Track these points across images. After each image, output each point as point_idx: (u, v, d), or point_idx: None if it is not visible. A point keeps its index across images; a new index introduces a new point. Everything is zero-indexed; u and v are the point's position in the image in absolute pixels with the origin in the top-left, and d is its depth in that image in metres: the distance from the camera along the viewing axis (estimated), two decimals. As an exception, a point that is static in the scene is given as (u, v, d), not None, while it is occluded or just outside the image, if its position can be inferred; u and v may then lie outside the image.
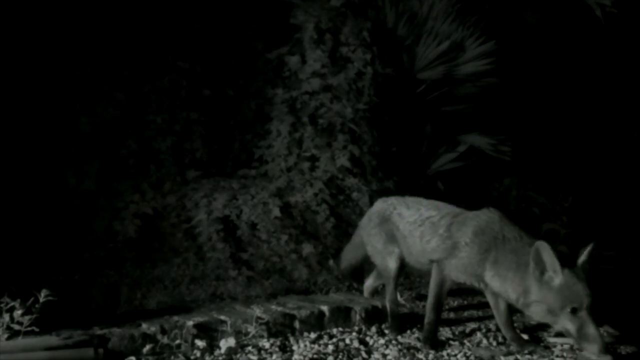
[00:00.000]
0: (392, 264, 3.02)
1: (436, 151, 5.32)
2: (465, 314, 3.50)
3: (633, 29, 6.71)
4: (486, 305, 3.35)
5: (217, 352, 2.59)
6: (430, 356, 2.64)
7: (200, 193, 4.04)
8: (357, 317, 3.10)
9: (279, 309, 3.02)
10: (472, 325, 3.18)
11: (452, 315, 3.43)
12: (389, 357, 2.61)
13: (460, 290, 3.46)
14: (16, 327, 2.40)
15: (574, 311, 2.39)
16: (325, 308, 3.05)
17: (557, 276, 2.42)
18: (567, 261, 2.48)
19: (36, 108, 4.04)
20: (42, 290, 2.45)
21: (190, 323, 2.68)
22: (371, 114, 4.65)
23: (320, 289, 3.67)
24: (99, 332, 2.54)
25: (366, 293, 3.46)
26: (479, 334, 3.02)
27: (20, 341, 2.36)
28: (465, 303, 3.71)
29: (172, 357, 2.54)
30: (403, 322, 3.07)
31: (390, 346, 2.75)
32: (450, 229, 2.73)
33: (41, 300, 2.43)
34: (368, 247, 3.17)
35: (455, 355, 2.65)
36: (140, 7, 4.46)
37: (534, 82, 6.64)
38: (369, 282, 3.45)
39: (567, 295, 2.40)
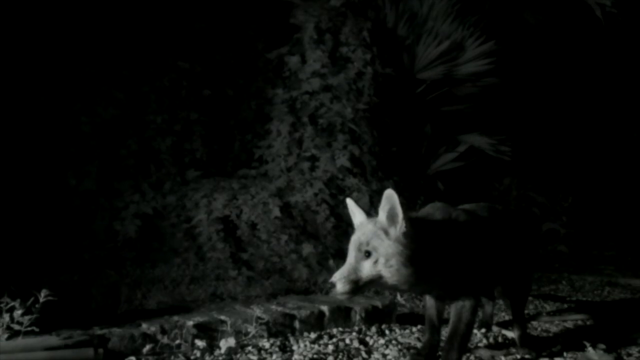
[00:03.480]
0: None
1: (436, 151, 5.32)
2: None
3: (633, 29, 6.71)
4: (483, 305, 3.36)
5: (217, 352, 2.59)
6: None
7: (200, 193, 4.04)
8: (357, 317, 3.10)
9: (279, 309, 3.02)
10: (472, 325, 3.17)
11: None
12: (389, 357, 2.61)
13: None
14: (16, 327, 2.40)
15: None
16: (325, 308, 3.05)
17: None
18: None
19: (36, 108, 4.04)
20: (42, 290, 2.45)
21: (190, 323, 2.68)
22: (371, 114, 4.65)
23: (320, 289, 3.67)
24: (99, 332, 2.54)
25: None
26: (478, 334, 3.02)
27: (20, 341, 2.36)
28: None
29: (172, 357, 2.54)
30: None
31: (390, 346, 2.75)
32: None
33: (41, 300, 2.43)
34: None
35: (455, 355, 2.65)
36: (141, 7, 4.46)
37: (534, 82, 6.65)
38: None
39: None
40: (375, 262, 2.05)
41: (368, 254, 2.06)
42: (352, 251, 2.09)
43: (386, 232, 2.07)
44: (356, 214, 2.20)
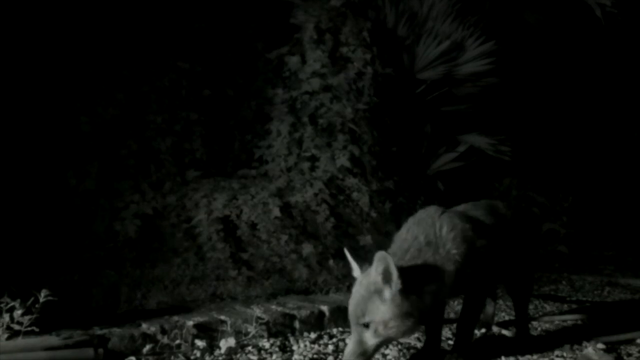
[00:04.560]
0: None
1: (436, 151, 5.32)
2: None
3: (633, 29, 6.72)
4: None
5: (217, 352, 2.59)
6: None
7: (200, 193, 4.04)
8: (357, 317, 3.09)
9: (279, 309, 3.02)
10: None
11: (452, 315, 3.43)
12: (389, 357, 2.61)
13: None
14: (16, 327, 2.40)
15: None
16: (325, 308, 3.05)
17: None
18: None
19: (36, 108, 4.03)
20: (42, 290, 2.45)
21: (190, 323, 2.68)
22: (371, 114, 4.65)
23: (320, 289, 3.67)
24: (99, 332, 2.54)
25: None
26: (479, 334, 3.02)
27: (20, 341, 2.36)
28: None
29: (172, 357, 2.54)
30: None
31: (390, 346, 2.75)
32: None
33: (41, 300, 2.43)
34: None
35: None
36: (141, 7, 4.46)
37: (534, 82, 6.65)
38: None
39: None
40: (376, 330, 2.11)
41: (367, 325, 2.12)
42: (352, 325, 2.16)
43: (380, 294, 2.12)
44: (353, 267, 2.28)
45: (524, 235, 2.84)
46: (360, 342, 2.11)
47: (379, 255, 2.11)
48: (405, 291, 2.11)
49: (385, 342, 2.19)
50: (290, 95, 4.59)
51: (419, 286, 2.18)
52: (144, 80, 4.38)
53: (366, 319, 2.11)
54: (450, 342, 2.87)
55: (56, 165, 3.96)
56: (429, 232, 2.34)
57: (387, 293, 2.11)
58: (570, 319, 3.43)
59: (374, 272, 2.13)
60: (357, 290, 2.17)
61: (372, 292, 2.12)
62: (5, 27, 3.96)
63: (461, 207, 2.69)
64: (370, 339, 2.12)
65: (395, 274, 2.09)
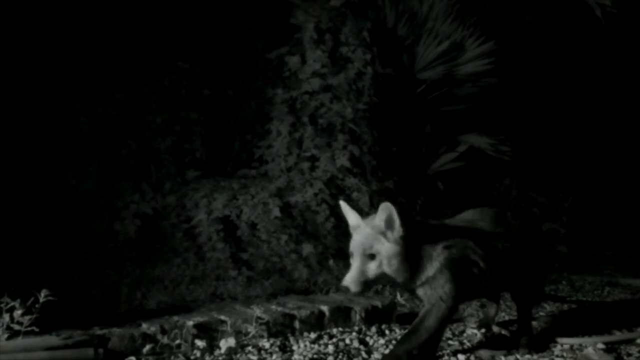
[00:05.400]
0: None
1: (436, 151, 5.32)
2: (465, 313, 3.51)
3: (633, 29, 6.72)
4: (485, 305, 3.36)
5: (217, 352, 2.59)
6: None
7: (200, 193, 4.04)
8: (357, 317, 3.10)
9: (279, 309, 3.02)
10: (472, 325, 3.18)
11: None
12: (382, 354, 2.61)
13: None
14: (16, 327, 2.40)
15: None
16: (325, 308, 3.05)
17: None
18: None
19: (36, 108, 4.04)
20: (42, 290, 2.45)
21: (190, 323, 2.68)
22: (371, 114, 4.65)
23: (320, 289, 3.67)
24: (99, 332, 2.54)
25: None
26: (479, 334, 3.02)
27: (20, 341, 2.36)
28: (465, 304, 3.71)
29: (172, 357, 2.54)
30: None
31: (391, 346, 2.75)
32: None
33: (41, 300, 2.43)
34: None
35: (455, 355, 2.65)
36: (141, 7, 4.46)
37: (534, 82, 6.65)
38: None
39: None
40: (380, 263, 2.33)
41: (372, 257, 2.33)
42: (357, 255, 2.34)
43: (384, 235, 2.33)
44: (350, 215, 2.44)
45: (530, 245, 2.82)
46: (363, 271, 2.31)
47: (384, 205, 2.31)
48: (404, 238, 2.33)
49: (381, 278, 2.36)
50: (290, 95, 4.59)
51: (415, 241, 2.40)
52: (144, 80, 4.38)
53: (372, 251, 2.31)
54: (451, 343, 2.87)
55: (56, 165, 3.96)
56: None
57: (390, 235, 2.32)
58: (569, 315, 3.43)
59: (378, 218, 2.33)
60: (363, 228, 2.36)
61: (377, 233, 2.33)
62: (6, 28, 3.96)
63: (469, 215, 2.73)
64: (373, 270, 2.32)
65: (398, 221, 2.31)
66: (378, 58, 4.80)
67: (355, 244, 2.36)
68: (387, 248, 2.32)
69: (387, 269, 2.33)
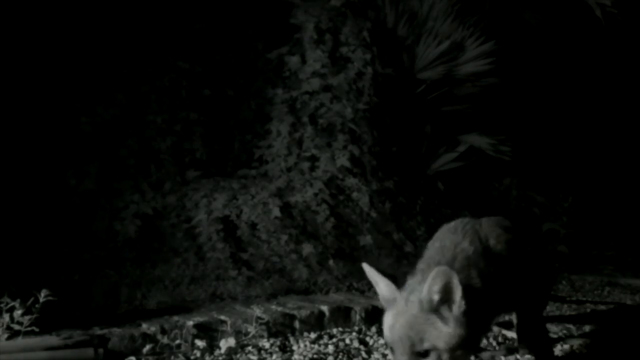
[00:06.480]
0: None
1: (436, 151, 5.32)
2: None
3: (633, 29, 6.71)
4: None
5: (217, 352, 2.59)
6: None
7: (200, 193, 4.04)
8: (357, 317, 3.10)
9: (279, 309, 3.02)
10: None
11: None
12: (389, 357, 2.61)
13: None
14: (16, 327, 2.40)
15: None
16: (325, 308, 3.05)
17: None
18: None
19: (37, 108, 4.04)
20: (42, 290, 2.45)
21: (190, 323, 2.68)
22: (371, 114, 4.65)
23: (320, 289, 3.67)
24: (99, 332, 2.54)
25: None
26: (479, 334, 3.02)
27: (20, 341, 2.36)
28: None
29: (172, 357, 2.54)
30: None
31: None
32: None
33: (41, 300, 2.43)
34: None
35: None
36: (141, 7, 4.46)
37: (534, 82, 6.65)
38: None
39: None
40: (439, 358, 1.71)
41: (426, 354, 1.71)
42: (401, 353, 1.73)
43: (440, 316, 1.72)
44: (380, 284, 1.85)
45: (537, 257, 2.67)
46: None
47: (440, 269, 1.70)
48: (467, 313, 1.73)
49: None
50: (290, 95, 4.59)
51: (478, 306, 1.81)
52: (144, 80, 4.38)
53: (425, 345, 1.69)
54: None
55: (56, 165, 3.96)
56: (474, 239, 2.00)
57: (447, 313, 1.72)
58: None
59: (427, 289, 1.71)
60: (405, 311, 1.73)
61: (428, 312, 1.71)
62: (6, 28, 3.96)
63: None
64: None
65: (459, 294, 1.70)
66: (378, 58, 4.81)
67: (396, 334, 1.72)
68: (446, 337, 1.69)
69: None
